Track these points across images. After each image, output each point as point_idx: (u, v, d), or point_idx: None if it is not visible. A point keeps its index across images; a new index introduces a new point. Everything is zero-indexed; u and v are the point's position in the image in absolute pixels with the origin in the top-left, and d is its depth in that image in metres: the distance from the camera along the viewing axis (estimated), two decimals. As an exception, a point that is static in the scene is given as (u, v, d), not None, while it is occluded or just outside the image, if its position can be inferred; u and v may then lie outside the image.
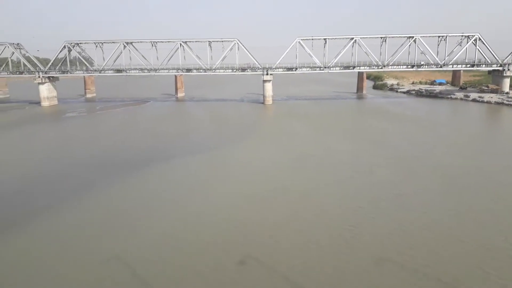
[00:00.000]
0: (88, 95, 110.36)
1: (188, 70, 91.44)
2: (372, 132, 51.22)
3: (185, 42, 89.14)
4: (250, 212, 25.04)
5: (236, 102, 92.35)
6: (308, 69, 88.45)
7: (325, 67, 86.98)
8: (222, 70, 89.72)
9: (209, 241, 21.20)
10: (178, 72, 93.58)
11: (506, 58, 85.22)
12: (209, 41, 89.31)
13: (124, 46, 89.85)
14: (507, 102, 74.65)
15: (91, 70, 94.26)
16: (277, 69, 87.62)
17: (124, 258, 19.41)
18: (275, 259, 19.12)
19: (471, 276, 17.41)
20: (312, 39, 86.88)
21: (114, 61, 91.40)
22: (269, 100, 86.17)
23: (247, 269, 18.43)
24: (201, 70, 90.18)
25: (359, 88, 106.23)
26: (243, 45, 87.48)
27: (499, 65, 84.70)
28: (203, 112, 75.16)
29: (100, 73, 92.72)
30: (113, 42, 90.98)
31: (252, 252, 19.81)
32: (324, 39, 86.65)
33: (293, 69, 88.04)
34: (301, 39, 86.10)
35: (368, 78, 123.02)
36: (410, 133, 50.70)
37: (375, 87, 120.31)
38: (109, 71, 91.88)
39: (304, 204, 26.26)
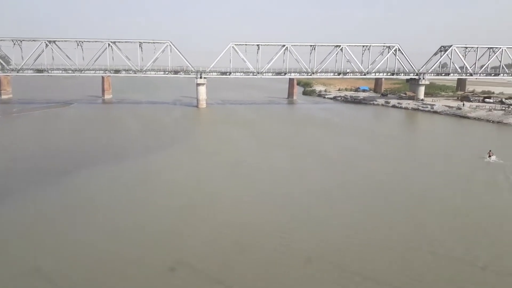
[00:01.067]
0: (4, 96, 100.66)
1: (117, 71, 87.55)
2: (305, 139, 52.87)
3: (114, 42, 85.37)
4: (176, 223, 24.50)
5: (168, 105, 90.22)
6: (241, 73, 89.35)
7: (258, 73, 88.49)
8: (153, 72, 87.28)
9: (131, 251, 20.35)
10: (105, 73, 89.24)
11: (421, 68, 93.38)
12: (139, 42, 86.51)
13: (46, 45, 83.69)
14: (422, 108, 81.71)
15: (7, 70, 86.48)
16: (211, 73, 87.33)
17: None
18: (208, 265, 18.92)
19: (395, 274, 18.68)
20: (246, 44, 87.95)
21: (35, 60, 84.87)
22: (202, 104, 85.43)
23: (179, 275, 18.03)
24: (131, 72, 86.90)
25: (290, 93, 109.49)
26: (175, 48, 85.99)
27: (415, 74, 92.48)
28: (128, 115, 72.04)
29: (18, 72, 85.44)
30: (33, 40, 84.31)
31: (184, 257, 19.41)
32: (257, 45, 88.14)
33: (227, 73, 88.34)
34: (235, 44, 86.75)
35: (298, 84, 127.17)
36: (339, 139, 53.31)
37: (305, 93, 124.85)
38: (29, 70, 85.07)
39: (235, 212, 26.28)
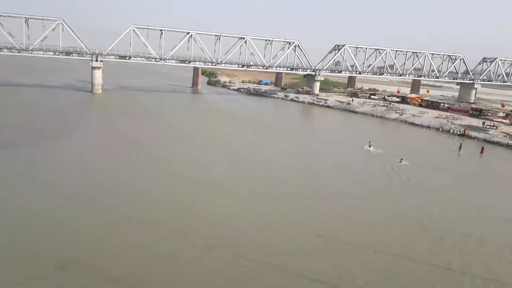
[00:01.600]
0: None
1: (-3, 48, 77.15)
2: (209, 130, 52.62)
3: (-8, 15, 74.93)
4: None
5: (58, 89, 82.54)
6: (142, 59, 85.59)
7: (161, 59, 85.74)
8: (41, 52, 78.81)
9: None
10: (-19, 49, 78.00)
11: (317, 64, 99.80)
12: (26, 18, 77.22)
13: None
14: (317, 103, 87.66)
15: None
16: (108, 56, 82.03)
17: None
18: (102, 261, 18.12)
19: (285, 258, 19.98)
20: (148, 28, 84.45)
21: None
22: (98, 89, 79.89)
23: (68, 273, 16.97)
24: (14, 50, 77.31)
25: (195, 83, 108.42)
26: (68, 26, 78.82)
27: (312, 70, 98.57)
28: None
29: None
30: None
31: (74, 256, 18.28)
32: (160, 30, 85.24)
33: (127, 58, 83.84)
34: (136, 27, 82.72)
35: (203, 74, 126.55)
36: (243, 131, 54.51)
37: (209, 83, 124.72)
38: None
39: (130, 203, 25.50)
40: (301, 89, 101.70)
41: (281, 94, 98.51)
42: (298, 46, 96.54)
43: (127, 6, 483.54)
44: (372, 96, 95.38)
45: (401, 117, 70.48)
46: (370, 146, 44.03)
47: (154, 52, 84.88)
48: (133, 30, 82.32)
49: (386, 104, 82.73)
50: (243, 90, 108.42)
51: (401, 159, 38.69)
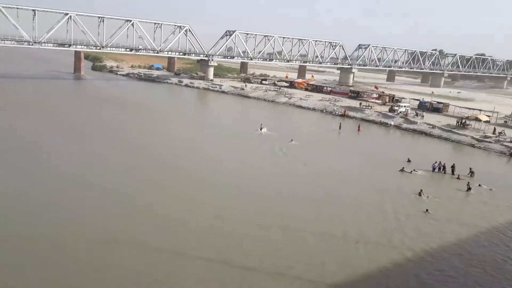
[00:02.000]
0: None
1: None
2: (96, 121, 49.33)
3: None
4: None
5: None
6: (13, 42, 75.42)
7: (35, 42, 76.60)
8: None
9: None
10: None
11: (210, 50, 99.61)
12: None
13: None
14: (212, 88, 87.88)
15: None
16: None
17: None
18: None
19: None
20: (17, 8, 74.35)
21: None
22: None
23: None
24: None
25: (77, 68, 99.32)
26: None
27: (205, 55, 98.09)
28: None
29: None
30: None
31: None
32: (33, 10, 75.77)
33: (-8, 41, 73.01)
34: (2, 6, 72.26)
35: (86, 58, 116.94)
36: (135, 120, 52.06)
37: (94, 68, 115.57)
38: None
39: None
40: (196, 75, 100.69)
41: (174, 80, 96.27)
42: (189, 30, 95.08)
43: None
44: (264, 82, 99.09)
45: (290, 101, 74.75)
46: (261, 129, 46.00)
47: (27, 35, 75.42)
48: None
49: (276, 89, 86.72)
50: (132, 75, 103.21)
51: (292, 140, 41.33)
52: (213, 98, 78.82)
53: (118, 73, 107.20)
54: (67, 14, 79.15)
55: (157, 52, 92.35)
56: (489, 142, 47.21)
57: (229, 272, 17.03)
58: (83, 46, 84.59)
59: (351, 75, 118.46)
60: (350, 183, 29.94)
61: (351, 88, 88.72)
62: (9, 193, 23.34)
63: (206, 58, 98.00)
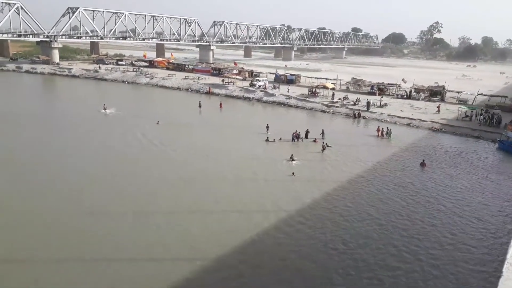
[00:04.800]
0: None
1: None
2: None
3: None
4: None
5: None
6: None
7: None
8: None
9: None
10: None
11: (51, 30, 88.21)
12: None
13: None
14: (59, 73, 78.56)
15: None
16: None
17: None
18: None
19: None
20: None
21: None
22: None
23: None
24: None
25: None
26: None
27: (46, 36, 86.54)
28: None
29: None
30: None
31: None
32: None
33: None
34: None
35: None
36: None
37: None
38: None
39: None
40: (37, 59, 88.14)
41: (11, 66, 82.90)
42: (22, 7, 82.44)
43: None
44: (120, 62, 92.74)
45: (152, 81, 71.91)
46: (105, 109, 45.08)
47: None
48: None
49: (135, 70, 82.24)
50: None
51: (158, 121, 40.24)
52: (63, 83, 70.70)
53: None
54: None
55: (-17, 34, 77.88)
56: (337, 106, 53.57)
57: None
58: None
59: (211, 52, 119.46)
60: (219, 156, 30.55)
61: (213, 66, 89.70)
62: None
63: (47, 40, 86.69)
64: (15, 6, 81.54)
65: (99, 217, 20.08)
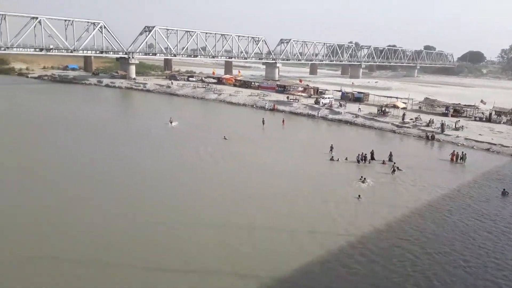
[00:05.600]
0: None
1: None
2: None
3: None
4: None
5: None
6: None
7: None
8: None
9: None
10: None
11: (129, 47, 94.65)
12: None
13: None
14: (135, 87, 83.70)
15: None
16: None
17: None
18: None
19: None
20: None
21: None
22: None
23: None
24: None
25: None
26: None
27: (124, 53, 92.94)
28: None
29: None
30: None
31: None
32: None
33: None
34: None
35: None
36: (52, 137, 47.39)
37: (0, 71, 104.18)
38: None
39: None
40: (116, 74, 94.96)
41: (93, 80, 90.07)
42: (105, 27, 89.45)
43: None
44: (191, 78, 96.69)
45: (219, 97, 73.70)
46: (171, 122, 47.31)
47: None
48: None
49: (204, 86, 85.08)
50: (46, 77, 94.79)
51: (225, 136, 40.67)
52: (138, 98, 75.02)
53: (29, 75, 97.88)
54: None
55: (71, 52, 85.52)
56: (408, 127, 50.55)
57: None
58: (-17, 47, 75.47)
59: (277, 70, 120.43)
60: (283, 174, 29.83)
61: (278, 83, 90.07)
62: None
63: (126, 56, 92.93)
64: (99, 25, 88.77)
65: (166, 228, 20.30)
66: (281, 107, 63.80)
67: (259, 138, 43.42)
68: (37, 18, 79.29)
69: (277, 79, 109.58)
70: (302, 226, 21.12)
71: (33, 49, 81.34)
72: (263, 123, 50.24)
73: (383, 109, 58.18)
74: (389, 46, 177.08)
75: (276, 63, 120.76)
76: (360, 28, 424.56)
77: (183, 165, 31.53)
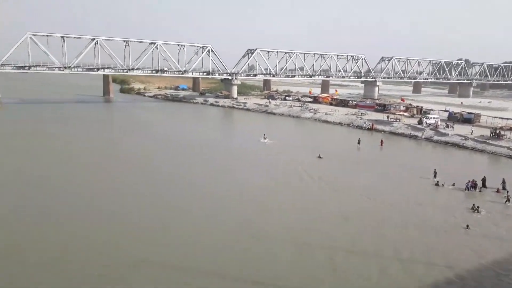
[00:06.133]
0: None
1: None
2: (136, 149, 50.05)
3: None
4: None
5: None
6: (44, 68, 78.62)
7: (66, 68, 79.53)
8: None
9: None
10: None
11: (233, 68, 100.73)
12: None
13: None
14: (236, 106, 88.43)
15: None
16: (4, 67, 73.90)
17: None
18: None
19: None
20: (47, 35, 77.82)
21: None
22: (-6, 103, 71.69)
23: None
24: None
25: (106, 91, 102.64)
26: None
27: (228, 74, 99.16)
28: None
29: None
30: None
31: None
32: (62, 37, 79.08)
33: (26, 68, 76.33)
34: (33, 35, 75.74)
35: (114, 81, 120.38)
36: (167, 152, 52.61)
37: (122, 91, 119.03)
38: None
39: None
40: (220, 94, 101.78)
41: (200, 99, 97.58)
42: (212, 50, 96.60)
43: (20, 12, 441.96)
44: (287, 98, 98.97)
45: (315, 116, 74.07)
46: (265, 138, 49.18)
47: (57, 61, 78.49)
48: (30, 37, 75.22)
49: (300, 105, 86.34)
50: (160, 96, 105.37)
51: (319, 155, 40.83)
52: (238, 116, 79.06)
53: (146, 94, 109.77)
54: (94, 39, 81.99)
55: (182, 73, 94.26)
56: (528, 152, 44.95)
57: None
58: (110, 70, 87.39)
59: (376, 88, 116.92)
60: (383, 198, 28.81)
61: (377, 101, 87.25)
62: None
63: (229, 77, 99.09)
64: (207, 49, 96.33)
65: (262, 241, 21.16)
66: (380, 127, 61.67)
67: (355, 158, 42.56)
68: (154, 43, 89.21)
69: (376, 97, 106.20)
70: (396, 253, 20.25)
71: (150, 71, 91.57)
72: (359, 143, 49.12)
73: (498, 131, 52.59)
74: (506, 63, 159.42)
75: (376, 81, 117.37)
76: (471, 44, 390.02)
77: (280, 182, 32.40)
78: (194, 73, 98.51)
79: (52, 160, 37.04)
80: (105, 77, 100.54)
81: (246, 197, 28.48)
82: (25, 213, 23.93)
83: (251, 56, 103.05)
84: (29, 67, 76.61)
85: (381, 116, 68.71)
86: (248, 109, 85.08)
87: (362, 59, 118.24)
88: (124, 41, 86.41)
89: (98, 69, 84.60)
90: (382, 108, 78.68)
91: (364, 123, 64.52)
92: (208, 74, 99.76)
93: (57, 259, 18.62)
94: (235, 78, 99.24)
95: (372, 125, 62.59)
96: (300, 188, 31.01)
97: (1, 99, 73.77)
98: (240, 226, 23.10)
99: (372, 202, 27.99)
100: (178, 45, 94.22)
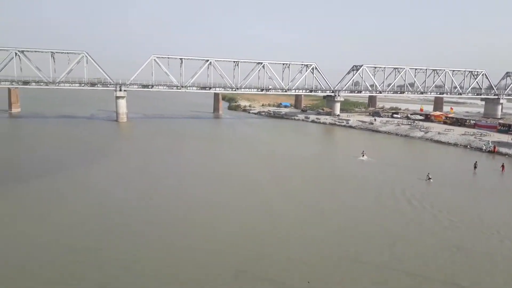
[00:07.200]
0: None
1: (26, 82, 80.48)
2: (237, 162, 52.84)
3: (22, 52, 78.68)
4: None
5: (84, 119, 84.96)
6: (164, 87, 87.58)
7: (182, 86, 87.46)
8: (67, 84, 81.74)
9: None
10: (12, 84, 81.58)
11: (336, 85, 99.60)
12: (51, 52, 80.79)
13: None
14: (338, 123, 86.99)
15: None
16: (131, 86, 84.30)
17: None
18: None
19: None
20: (168, 57, 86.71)
21: None
22: (123, 118, 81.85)
23: None
24: (42, 83, 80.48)
25: (216, 108, 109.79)
26: (92, 58, 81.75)
27: (331, 91, 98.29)
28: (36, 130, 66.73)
29: None
30: None
31: None
32: (180, 58, 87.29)
33: (149, 86, 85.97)
34: (157, 57, 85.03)
35: (223, 99, 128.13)
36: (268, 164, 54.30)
37: (230, 108, 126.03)
38: None
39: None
40: (322, 110, 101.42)
41: (301, 116, 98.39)
42: (316, 68, 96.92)
43: (147, 37, 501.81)
44: (395, 115, 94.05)
45: (426, 135, 68.88)
46: (363, 156, 48.42)
47: (176, 80, 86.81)
48: (154, 59, 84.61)
49: (409, 123, 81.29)
50: (263, 113, 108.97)
51: (428, 174, 38.04)
52: (339, 133, 77.55)
53: (251, 111, 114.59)
54: (207, 60, 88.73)
55: (285, 91, 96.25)
56: None
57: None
58: (221, 88, 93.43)
59: (499, 106, 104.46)
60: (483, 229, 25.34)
61: (501, 121, 77.81)
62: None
63: (332, 94, 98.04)
64: (311, 67, 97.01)
65: (356, 265, 20.27)
66: (504, 150, 54.74)
67: (470, 184, 38.42)
68: (261, 63, 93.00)
69: (499, 117, 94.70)
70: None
71: (255, 90, 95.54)
72: (475, 167, 44.11)
73: None
74: None
75: (499, 98, 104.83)
76: None
77: (387, 205, 30.81)
78: (297, 91, 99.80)
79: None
80: (216, 95, 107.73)
81: (346, 223, 27.61)
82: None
83: (356, 72, 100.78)
84: (152, 86, 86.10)
85: (505, 138, 61.13)
86: (350, 126, 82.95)
87: (483, 74, 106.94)
88: (234, 61, 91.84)
89: (210, 88, 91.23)
90: (507, 128, 69.91)
91: (484, 144, 57.89)
92: (311, 91, 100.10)
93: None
94: (338, 95, 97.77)
95: (495, 147, 55.87)
96: (410, 215, 28.54)
97: (128, 114, 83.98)
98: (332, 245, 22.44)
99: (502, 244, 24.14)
100: (283, 64, 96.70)
